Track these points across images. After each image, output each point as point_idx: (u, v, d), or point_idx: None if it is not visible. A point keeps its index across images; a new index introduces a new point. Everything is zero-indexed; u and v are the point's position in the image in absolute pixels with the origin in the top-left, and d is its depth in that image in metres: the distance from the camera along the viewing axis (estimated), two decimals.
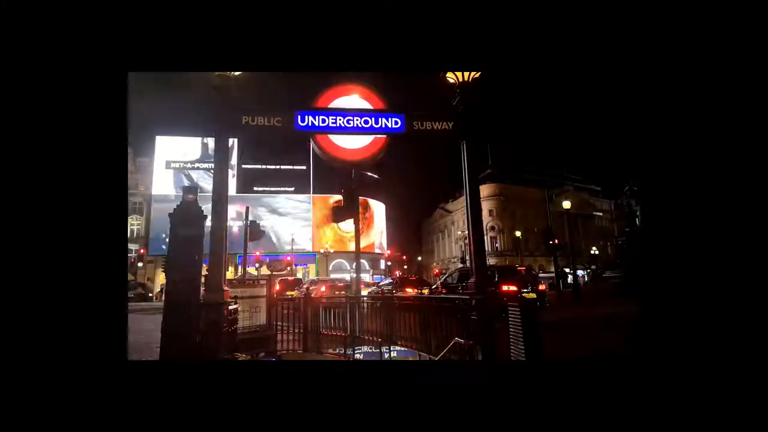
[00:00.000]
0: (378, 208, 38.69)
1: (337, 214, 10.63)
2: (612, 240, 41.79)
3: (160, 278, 28.92)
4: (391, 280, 17.18)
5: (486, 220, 38.17)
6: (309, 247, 33.59)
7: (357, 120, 5.06)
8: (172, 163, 29.24)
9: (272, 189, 33.91)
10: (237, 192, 30.72)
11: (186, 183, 27.82)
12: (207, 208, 4.86)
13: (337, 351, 6.49)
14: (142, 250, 29.66)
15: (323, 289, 14.36)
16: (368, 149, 5.24)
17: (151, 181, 32.93)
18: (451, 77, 5.08)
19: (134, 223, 33.36)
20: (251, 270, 23.51)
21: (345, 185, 11.00)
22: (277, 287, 12.04)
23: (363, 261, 27.44)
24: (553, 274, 18.39)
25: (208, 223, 4.86)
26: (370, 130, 5.11)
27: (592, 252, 39.43)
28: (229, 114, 4.92)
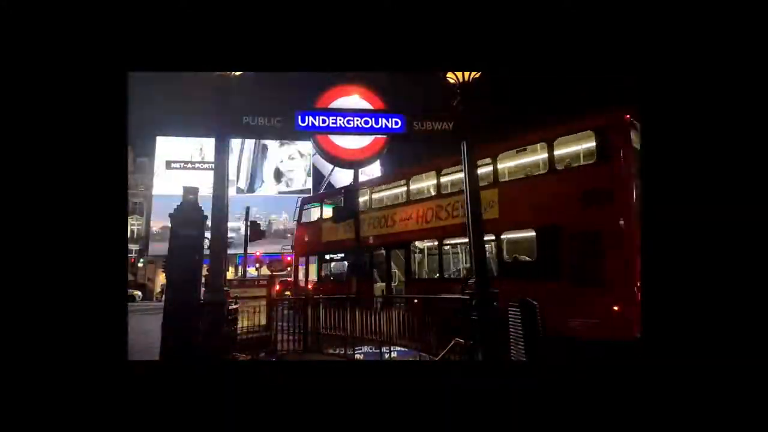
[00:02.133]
0: None
1: (337, 214, 10.61)
2: None
3: (160, 278, 28.90)
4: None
5: None
6: None
7: (357, 120, 5.06)
8: (172, 163, 29.14)
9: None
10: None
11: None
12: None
13: (337, 351, 6.50)
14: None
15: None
16: (368, 149, 5.25)
17: (151, 181, 32.89)
18: (451, 77, 5.08)
19: (134, 223, 33.35)
20: (251, 270, 23.50)
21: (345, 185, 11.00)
22: (277, 287, 12.03)
23: None
24: None
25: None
26: (370, 131, 5.12)
27: None
28: (229, 114, 4.92)
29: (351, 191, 10.62)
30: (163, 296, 5.67)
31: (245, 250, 13.24)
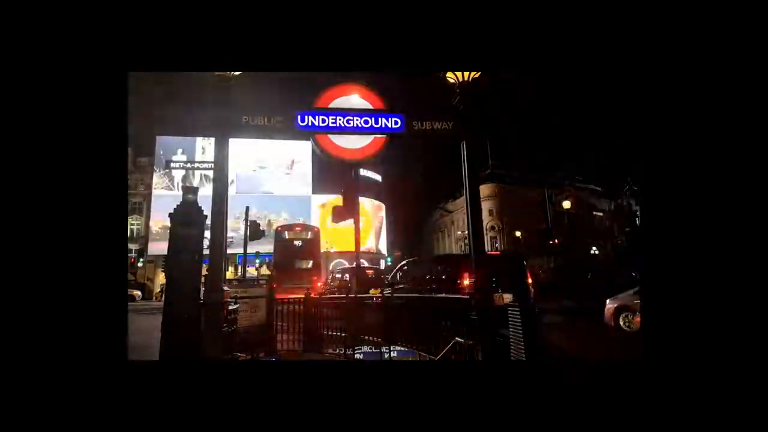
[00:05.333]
0: (378, 209, 38.67)
1: (337, 214, 10.65)
2: (612, 240, 41.81)
3: (160, 278, 28.88)
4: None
5: (486, 220, 38.17)
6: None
7: (357, 120, 5.06)
8: (171, 163, 29.11)
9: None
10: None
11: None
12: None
13: (337, 351, 6.49)
14: None
15: None
16: (368, 149, 5.25)
17: (151, 181, 32.89)
18: (451, 77, 5.08)
19: (134, 223, 33.34)
20: (251, 270, 23.48)
21: (345, 185, 11.08)
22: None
23: (363, 261, 27.39)
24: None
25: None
26: (370, 130, 5.12)
27: (592, 252, 39.39)
28: (229, 114, 4.92)
29: (351, 194, 10.61)
30: (163, 296, 5.67)
31: (245, 249, 13.25)
